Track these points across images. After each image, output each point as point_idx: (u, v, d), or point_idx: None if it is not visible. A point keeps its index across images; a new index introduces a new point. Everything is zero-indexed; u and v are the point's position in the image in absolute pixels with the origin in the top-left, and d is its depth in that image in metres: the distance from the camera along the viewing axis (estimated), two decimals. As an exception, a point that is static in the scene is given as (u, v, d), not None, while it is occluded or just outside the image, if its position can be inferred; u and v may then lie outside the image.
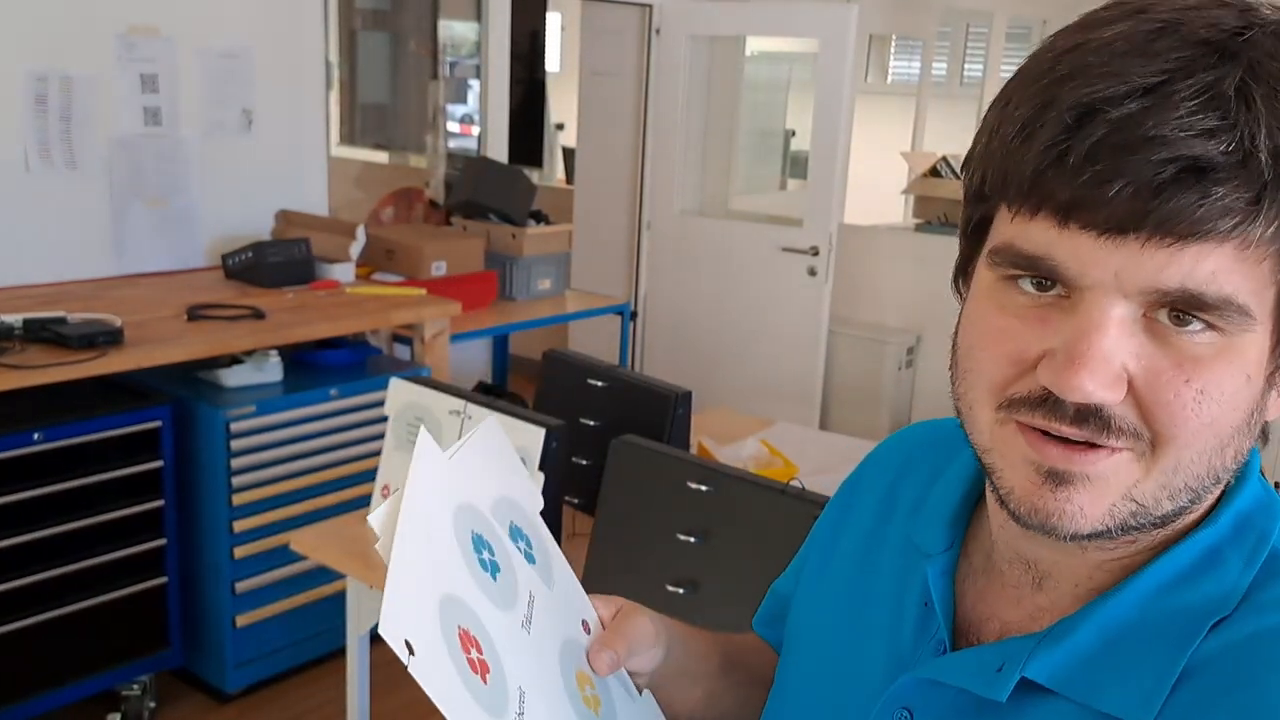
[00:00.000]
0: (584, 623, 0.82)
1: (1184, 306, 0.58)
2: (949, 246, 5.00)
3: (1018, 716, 0.67)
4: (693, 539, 1.82)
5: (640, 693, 0.84)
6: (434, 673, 0.61)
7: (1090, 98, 0.57)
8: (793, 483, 1.82)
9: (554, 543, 0.85)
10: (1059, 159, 0.57)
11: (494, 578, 0.73)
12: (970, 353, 0.66)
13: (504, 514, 0.79)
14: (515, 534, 0.79)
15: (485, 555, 0.73)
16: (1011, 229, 0.62)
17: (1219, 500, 0.68)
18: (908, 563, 0.80)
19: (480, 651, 0.67)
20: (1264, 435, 0.65)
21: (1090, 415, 0.60)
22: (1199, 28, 0.58)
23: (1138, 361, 0.59)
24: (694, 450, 2.52)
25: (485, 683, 0.65)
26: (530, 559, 0.79)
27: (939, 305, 5.21)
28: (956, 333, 0.69)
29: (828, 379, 5.22)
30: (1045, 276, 0.61)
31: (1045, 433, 0.62)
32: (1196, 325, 0.58)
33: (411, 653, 0.60)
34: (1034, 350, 0.61)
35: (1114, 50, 0.58)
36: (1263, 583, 0.65)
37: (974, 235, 0.67)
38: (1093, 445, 0.61)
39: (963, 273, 0.70)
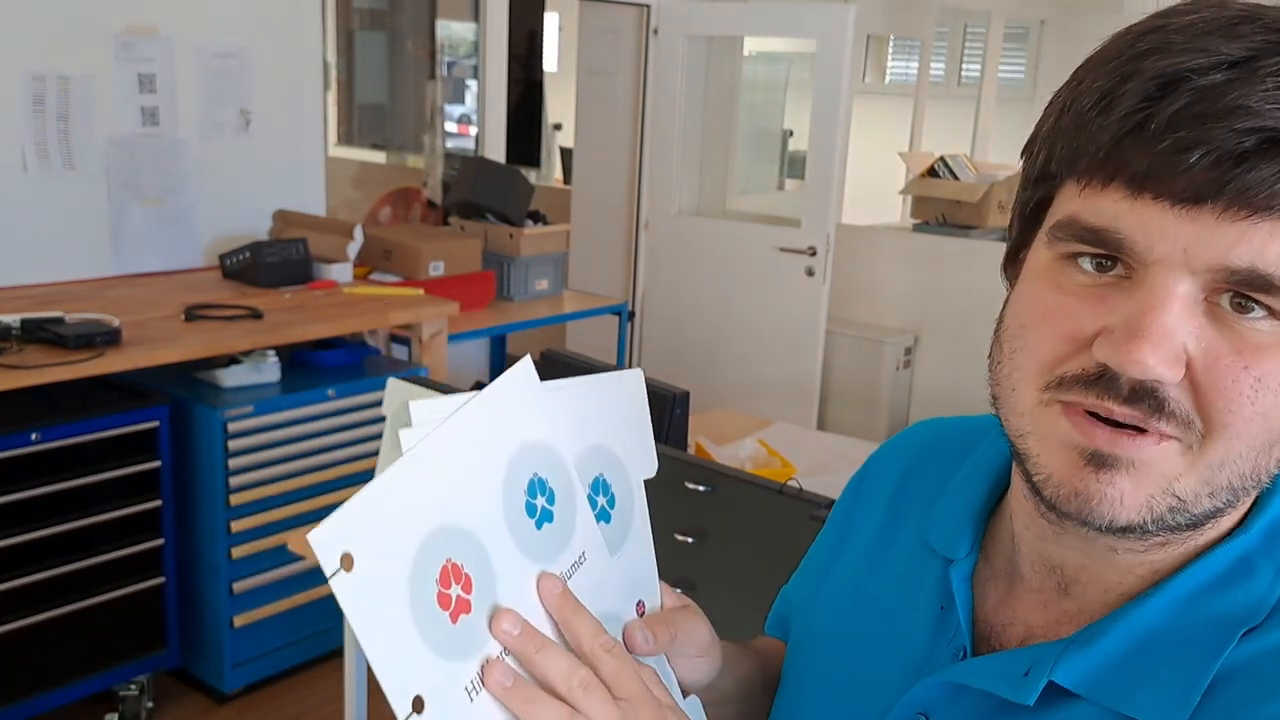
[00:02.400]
0: (640, 603, 0.78)
1: (1250, 288, 0.56)
2: (947, 247, 5.04)
3: (1041, 718, 0.66)
4: (690, 539, 1.82)
5: (685, 695, 0.81)
6: (367, 596, 0.57)
7: (1175, 68, 0.57)
8: (790, 483, 1.82)
9: (644, 515, 0.80)
10: (1138, 127, 0.57)
11: (538, 526, 0.68)
12: (1021, 331, 0.64)
13: (594, 464, 0.75)
14: (599, 487, 0.76)
15: (539, 501, 0.69)
16: (1078, 202, 0.61)
17: (1251, 508, 0.67)
18: (920, 564, 0.79)
19: (468, 591, 0.62)
20: None
21: (1144, 395, 0.58)
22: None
23: (1198, 344, 0.58)
24: (692, 450, 2.52)
25: (454, 621, 0.61)
26: (605, 517, 0.76)
27: (937, 306, 5.22)
28: (1002, 316, 0.67)
29: (825, 379, 5.22)
30: (1109, 251, 0.60)
31: (1092, 416, 0.60)
32: (1259, 312, 0.57)
33: (347, 568, 0.56)
34: (1090, 328, 0.60)
35: (1197, 30, 0.58)
36: None
37: (1031, 218, 0.66)
38: (1141, 431, 0.59)
39: (1013, 259, 0.69)
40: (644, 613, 0.78)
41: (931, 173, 5.66)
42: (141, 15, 3.58)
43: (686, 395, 2.30)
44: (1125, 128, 0.57)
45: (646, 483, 0.83)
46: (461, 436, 0.64)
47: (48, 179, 3.45)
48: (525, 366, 0.70)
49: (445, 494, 0.62)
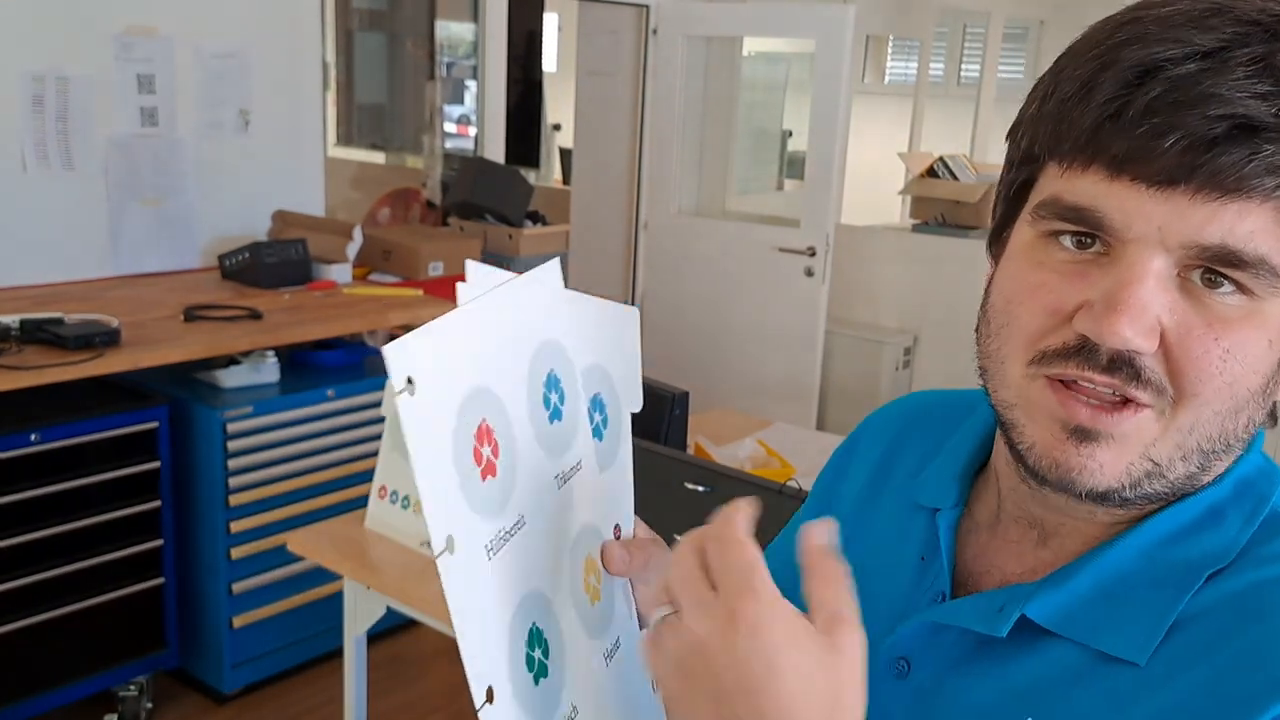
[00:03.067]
0: (616, 525, 0.80)
1: (1221, 264, 0.60)
2: (946, 247, 5.03)
3: (1018, 655, 0.69)
4: (690, 539, 1.82)
5: (642, 626, 0.82)
6: (423, 424, 0.58)
7: (1151, 58, 0.60)
8: (789, 483, 1.82)
9: (629, 445, 0.82)
10: (1117, 113, 0.60)
11: (550, 421, 0.70)
12: (1006, 308, 0.68)
13: (593, 381, 0.78)
14: (597, 405, 0.78)
15: (553, 397, 0.71)
16: (1060, 183, 0.64)
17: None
18: (905, 521, 0.82)
19: (496, 455, 0.64)
20: (1273, 415, 0.68)
21: (1122, 365, 0.62)
22: (1250, 11, 0.61)
23: (1171, 316, 0.62)
24: (691, 450, 2.52)
25: (483, 480, 0.63)
26: (599, 434, 0.78)
27: (936, 306, 5.22)
28: (987, 293, 0.71)
29: (825, 379, 5.22)
30: (1089, 230, 0.63)
31: (1074, 386, 0.64)
32: (1228, 287, 0.61)
33: (410, 386, 0.57)
34: (1071, 302, 0.64)
35: (1172, 22, 0.61)
36: (1262, 540, 0.68)
37: (1015, 199, 0.70)
38: (1118, 406, 0.63)
39: (997, 238, 0.73)
40: (619, 537, 0.80)
41: (931, 173, 5.66)
42: (141, 16, 3.58)
43: (686, 395, 2.30)
44: (1105, 113, 0.61)
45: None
46: (504, 311, 0.66)
47: (47, 179, 3.45)
48: (554, 267, 0.72)
49: (487, 357, 0.64)
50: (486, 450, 0.63)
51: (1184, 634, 0.65)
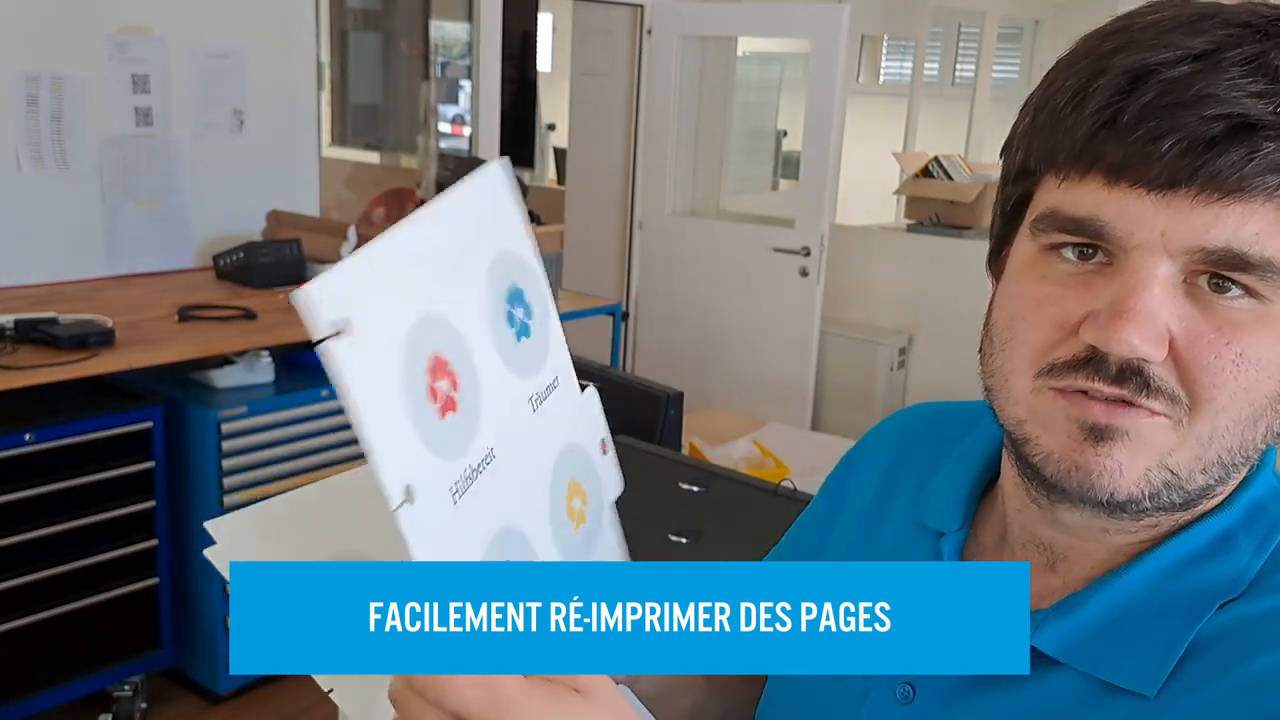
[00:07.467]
0: (602, 441, 0.74)
1: (1227, 268, 0.59)
2: (941, 247, 5.02)
3: (1024, 683, 0.68)
4: (684, 540, 1.82)
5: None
6: (366, 369, 0.52)
7: (1142, 63, 0.59)
8: (784, 483, 1.82)
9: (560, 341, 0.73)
10: (1111, 120, 0.60)
11: (518, 338, 0.64)
12: (1010, 323, 0.66)
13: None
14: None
15: (518, 313, 0.65)
16: (1058, 195, 0.63)
17: (1236, 487, 0.69)
18: (911, 542, 0.81)
19: (455, 388, 0.58)
20: None
21: (1132, 374, 0.61)
22: (1239, 14, 0.61)
23: (1179, 323, 0.60)
24: (685, 451, 2.53)
25: (441, 417, 0.57)
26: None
27: (931, 306, 5.23)
28: (990, 311, 0.70)
29: (819, 380, 5.22)
30: (1090, 239, 0.62)
31: (1085, 395, 0.62)
32: (1235, 291, 0.60)
33: (338, 333, 0.50)
34: (1077, 314, 0.62)
35: (1161, 28, 0.61)
36: (1274, 568, 0.66)
37: (1012, 214, 0.69)
38: (1133, 404, 0.62)
39: (996, 255, 0.71)
40: (607, 452, 0.75)
41: (925, 173, 5.67)
42: (135, 16, 3.57)
43: (680, 396, 2.30)
44: (1099, 121, 0.60)
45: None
46: (448, 225, 0.60)
47: (41, 179, 3.44)
48: (499, 168, 0.65)
49: (435, 280, 0.58)
50: (444, 384, 0.57)
51: (1194, 663, 0.63)
